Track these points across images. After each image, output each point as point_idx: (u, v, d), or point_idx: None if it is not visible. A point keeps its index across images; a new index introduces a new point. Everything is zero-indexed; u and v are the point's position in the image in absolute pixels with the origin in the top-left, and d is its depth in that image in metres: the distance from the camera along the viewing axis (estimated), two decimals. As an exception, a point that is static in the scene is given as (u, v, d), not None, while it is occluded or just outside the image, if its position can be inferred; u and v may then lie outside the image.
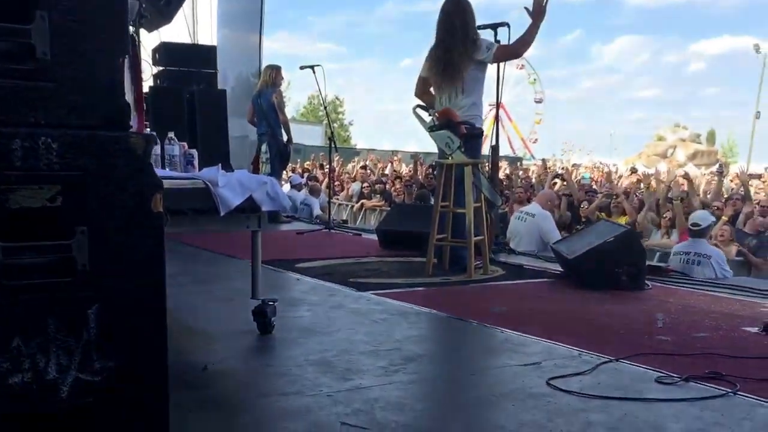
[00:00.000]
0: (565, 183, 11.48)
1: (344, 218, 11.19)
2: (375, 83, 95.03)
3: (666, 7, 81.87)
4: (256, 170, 7.99)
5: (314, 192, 11.22)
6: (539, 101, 48.27)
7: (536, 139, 48.14)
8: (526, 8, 4.98)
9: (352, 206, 12.55)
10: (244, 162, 8.60)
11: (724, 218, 8.04)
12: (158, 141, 3.27)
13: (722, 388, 2.66)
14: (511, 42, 5.25)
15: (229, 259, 5.43)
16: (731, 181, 12.43)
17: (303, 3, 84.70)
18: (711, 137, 53.97)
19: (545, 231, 7.20)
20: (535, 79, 47.98)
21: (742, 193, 9.94)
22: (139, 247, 1.62)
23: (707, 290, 4.83)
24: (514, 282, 5.00)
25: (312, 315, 3.78)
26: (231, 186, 3.06)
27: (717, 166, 14.07)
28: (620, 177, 16.35)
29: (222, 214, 2.96)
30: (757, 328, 3.67)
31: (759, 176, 15.77)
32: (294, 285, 4.63)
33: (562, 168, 18.16)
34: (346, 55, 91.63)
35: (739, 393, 2.63)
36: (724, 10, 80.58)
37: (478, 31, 5.20)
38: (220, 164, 3.20)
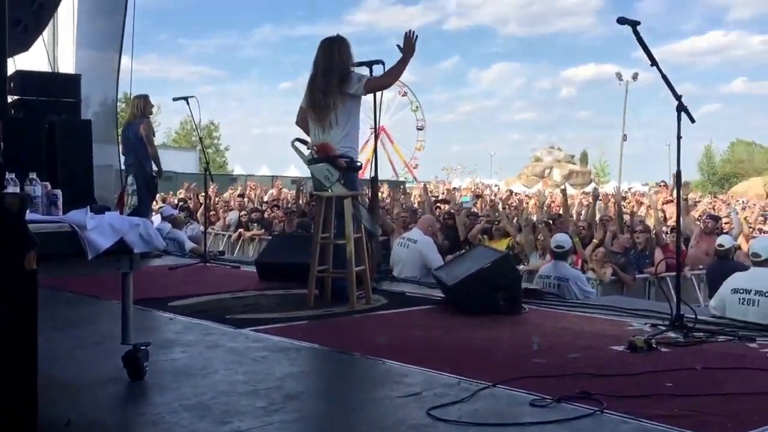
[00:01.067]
0: (447, 205, 11.76)
1: (221, 249, 10.80)
2: (252, 106, 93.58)
3: (537, 36, 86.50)
4: (121, 202, 7.70)
5: (176, 224, 9.93)
6: (421, 128, 49.69)
7: (417, 165, 49.35)
8: (398, 45, 5.21)
9: (230, 236, 12.25)
10: (109, 192, 8.25)
11: (595, 241, 8.48)
12: (18, 183, 3.11)
13: (591, 407, 2.78)
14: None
15: (94, 300, 5.12)
16: (602, 201, 13.11)
17: (173, 25, 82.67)
18: (584, 158, 57.28)
19: (427, 257, 7.33)
20: (417, 107, 49.36)
21: (611, 214, 10.50)
22: (11, 309, 1.56)
23: (579, 311, 5.05)
24: (397, 311, 5.04)
25: (187, 357, 3.63)
26: (101, 229, 3.02)
27: (593, 188, 14.84)
28: (500, 198, 16.88)
29: (90, 257, 2.93)
30: (623, 347, 3.87)
31: (623, 198, 16.67)
32: (167, 325, 4.43)
33: (442, 192, 18.58)
34: (221, 78, 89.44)
35: (606, 411, 2.75)
36: (589, 41, 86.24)
37: (356, 68, 5.35)
38: (88, 207, 3.12)
